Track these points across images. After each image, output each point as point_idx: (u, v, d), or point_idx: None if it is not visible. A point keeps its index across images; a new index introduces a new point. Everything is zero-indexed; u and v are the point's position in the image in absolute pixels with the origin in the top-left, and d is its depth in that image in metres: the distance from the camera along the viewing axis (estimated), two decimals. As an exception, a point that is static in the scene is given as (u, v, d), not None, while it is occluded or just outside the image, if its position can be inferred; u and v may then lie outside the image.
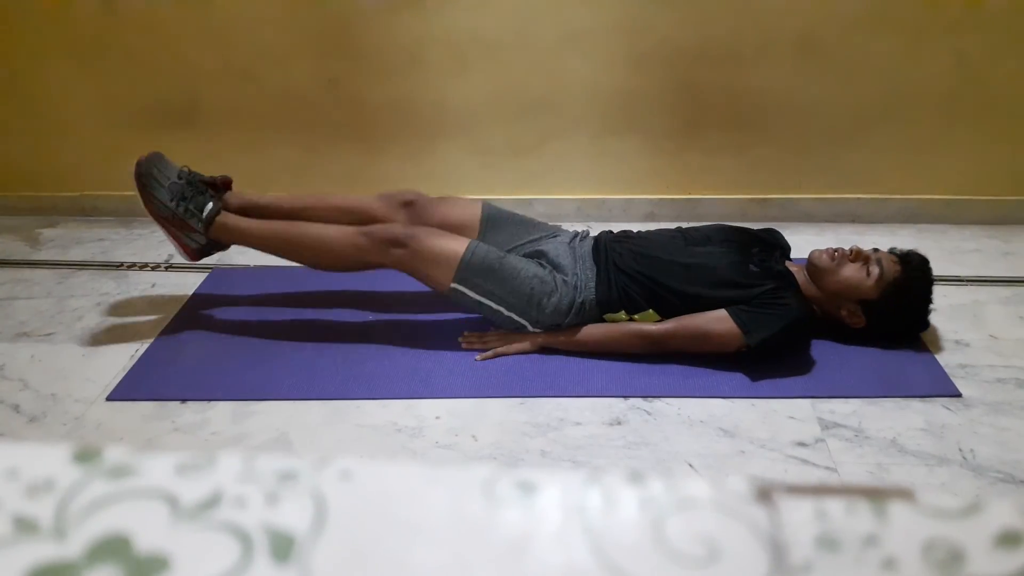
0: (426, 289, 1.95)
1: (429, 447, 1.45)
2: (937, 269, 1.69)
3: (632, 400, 1.54)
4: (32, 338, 1.81)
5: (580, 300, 1.65)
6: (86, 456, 0.33)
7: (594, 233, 1.81)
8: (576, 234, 1.80)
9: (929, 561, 0.29)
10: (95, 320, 1.88)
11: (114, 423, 1.53)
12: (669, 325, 1.61)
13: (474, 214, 1.78)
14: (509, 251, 1.71)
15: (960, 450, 1.40)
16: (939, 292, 1.70)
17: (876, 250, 1.68)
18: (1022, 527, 0.30)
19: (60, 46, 2.18)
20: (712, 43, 2.05)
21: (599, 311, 1.67)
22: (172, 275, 2.09)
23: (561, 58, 2.10)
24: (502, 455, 1.43)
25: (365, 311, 1.88)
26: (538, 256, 1.71)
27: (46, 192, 2.43)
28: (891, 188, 2.22)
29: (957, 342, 1.70)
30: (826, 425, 1.46)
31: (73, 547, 0.29)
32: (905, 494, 0.31)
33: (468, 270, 1.61)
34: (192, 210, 1.71)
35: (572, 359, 1.66)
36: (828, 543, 0.29)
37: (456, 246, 1.63)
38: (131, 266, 2.14)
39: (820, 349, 1.66)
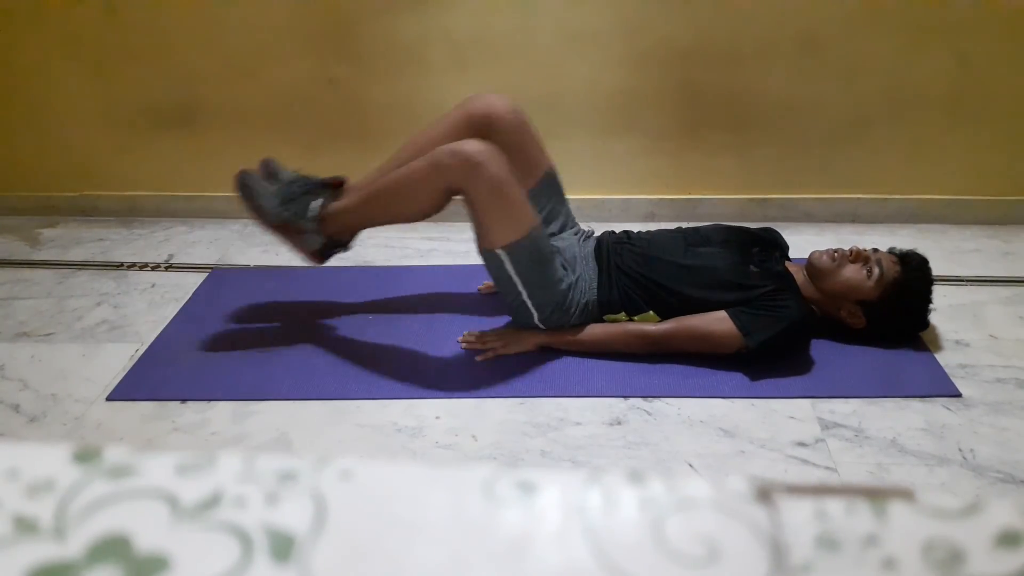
0: (426, 290, 1.96)
1: (429, 447, 1.45)
2: (937, 269, 1.69)
3: (632, 400, 1.54)
4: (32, 338, 1.81)
5: (583, 300, 1.65)
6: (86, 456, 0.33)
7: (597, 233, 1.81)
8: (580, 232, 1.80)
9: (929, 561, 0.29)
10: (95, 320, 1.88)
11: (114, 423, 1.53)
12: (669, 326, 1.62)
13: (541, 165, 1.73)
14: None
15: (960, 450, 1.40)
16: (939, 292, 1.70)
17: (876, 250, 1.68)
18: (1022, 527, 0.30)
19: (61, 46, 2.18)
20: (712, 43, 2.05)
21: (600, 311, 1.67)
22: (172, 275, 2.09)
23: (561, 58, 2.10)
24: (502, 455, 1.43)
25: (365, 311, 1.88)
26: (557, 252, 1.69)
27: (46, 192, 2.43)
28: (891, 188, 2.22)
29: (957, 342, 1.70)
30: (826, 425, 1.47)
31: (73, 547, 0.29)
32: (905, 494, 0.31)
33: (523, 248, 1.56)
34: (300, 212, 1.63)
35: (572, 359, 1.66)
36: (828, 543, 0.29)
37: (527, 213, 1.54)
38: (131, 266, 2.14)
39: (820, 349, 1.66)
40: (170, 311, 1.90)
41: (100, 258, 2.19)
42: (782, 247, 1.79)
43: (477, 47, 2.10)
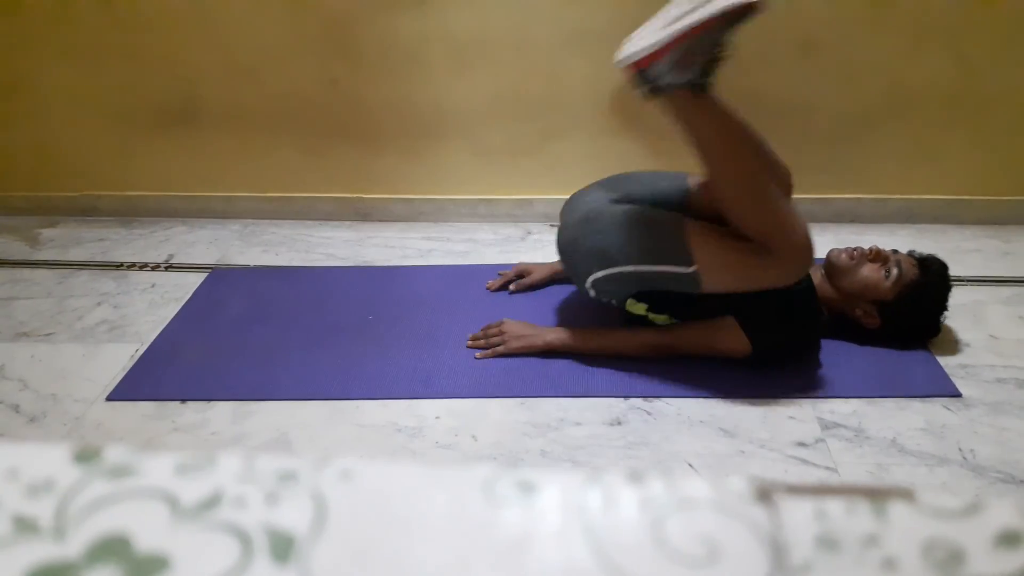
0: (426, 290, 1.96)
1: (429, 447, 1.45)
2: (937, 269, 1.69)
3: (632, 400, 1.54)
4: (32, 338, 1.81)
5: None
6: (86, 456, 0.33)
7: None
8: None
9: (929, 561, 0.29)
10: (95, 320, 1.88)
11: (114, 423, 1.53)
12: (676, 334, 1.60)
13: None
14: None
15: (960, 450, 1.40)
16: (940, 292, 1.70)
17: (895, 251, 1.67)
18: (1022, 527, 0.30)
19: (60, 46, 2.18)
20: (712, 43, 2.05)
21: (625, 300, 1.61)
22: (172, 275, 2.09)
23: (561, 58, 2.10)
24: (502, 455, 1.43)
25: (365, 311, 1.88)
26: None
27: (46, 192, 2.43)
28: (891, 188, 2.22)
29: (957, 342, 1.70)
30: (826, 425, 1.47)
31: (73, 547, 0.29)
32: (905, 494, 0.31)
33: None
34: (711, 64, 1.37)
35: (572, 360, 1.65)
36: (828, 543, 0.29)
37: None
38: (131, 266, 2.14)
39: (821, 349, 1.66)
40: (170, 311, 1.90)
41: (100, 258, 2.19)
42: None
43: (477, 47, 2.10)
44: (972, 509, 0.30)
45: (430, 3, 2.05)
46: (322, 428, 1.50)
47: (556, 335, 1.66)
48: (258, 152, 2.31)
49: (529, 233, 2.27)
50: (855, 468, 1.37)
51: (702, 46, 1.33)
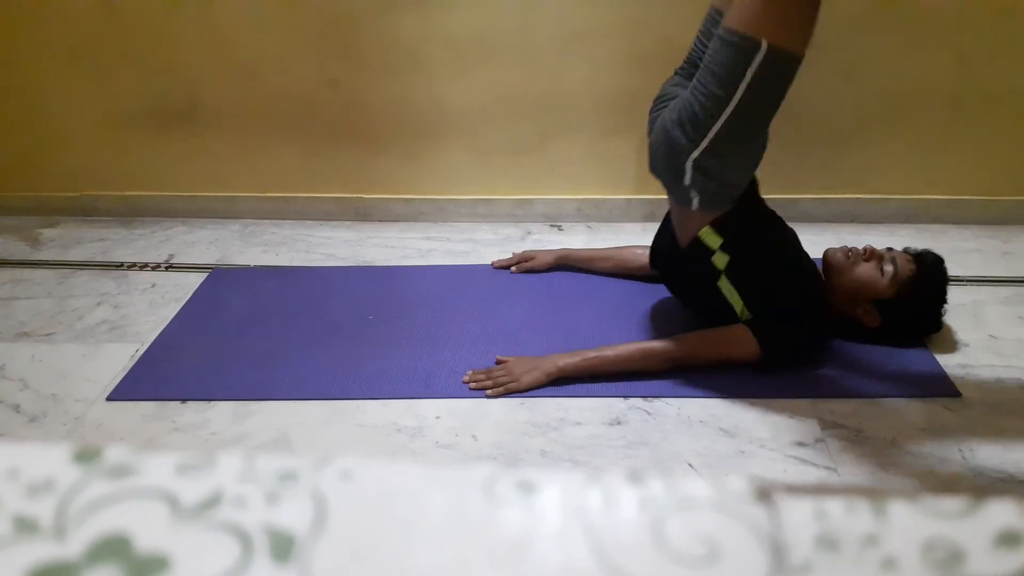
0: (426, 290, 1.96)
1: (429, 447, 1.45)
2: (937, 269, 1.69)
3: (632, 400, 1.54)
4: (32, 338, 1.81)
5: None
6: (86, 456, 0.33)
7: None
8: None
9: (929, 561, 0.29)
10: (95, 320, 1.88)
11: (114, 423, 1.53)
12: (688, 347, 1.58)
13: None
14: None
15: (960, 450, 1.40)
16: (940, 292, 1.70)
17: (890, 249, 1.68)
18: (1022, 527, 0.30)
19: (60, 46, 2.18)
20: (712, 43, 2.05)
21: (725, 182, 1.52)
22: (172, 275, 2.09)
23: (561, 58, 2.10)
24: (502, 455, 1.43)
25: (365, 311, 1.88)
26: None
27: (46, 192, 2.43)
28: (891, 188, 2.22)
29: (957, 342, 1.70)
30: (826, 425, 1.47)
31: (73, 547, 0.29)
32: (905, 494, 0.31)
33: (782, 61, 1.36)
34: None
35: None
36: (828, 543, 0.29)
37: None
38: (131, 266, 2.14)
39: (825, 351, 1.66)
40: (170, 311, 1.90)
41: (100, 258, 2.19)
42: None
43: (477, 47, 2.10)
44: (972, 509, 0.30)
45: (430, 3, 2.05)
46: (322, 428, 1.50)
47: (565, 360, 1.58)
48: (258, 152, 2.31)
49: (529, 233, 2.27)
50: (855, 468, 1.37)
51: None
